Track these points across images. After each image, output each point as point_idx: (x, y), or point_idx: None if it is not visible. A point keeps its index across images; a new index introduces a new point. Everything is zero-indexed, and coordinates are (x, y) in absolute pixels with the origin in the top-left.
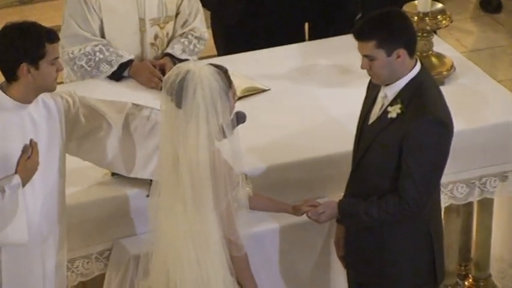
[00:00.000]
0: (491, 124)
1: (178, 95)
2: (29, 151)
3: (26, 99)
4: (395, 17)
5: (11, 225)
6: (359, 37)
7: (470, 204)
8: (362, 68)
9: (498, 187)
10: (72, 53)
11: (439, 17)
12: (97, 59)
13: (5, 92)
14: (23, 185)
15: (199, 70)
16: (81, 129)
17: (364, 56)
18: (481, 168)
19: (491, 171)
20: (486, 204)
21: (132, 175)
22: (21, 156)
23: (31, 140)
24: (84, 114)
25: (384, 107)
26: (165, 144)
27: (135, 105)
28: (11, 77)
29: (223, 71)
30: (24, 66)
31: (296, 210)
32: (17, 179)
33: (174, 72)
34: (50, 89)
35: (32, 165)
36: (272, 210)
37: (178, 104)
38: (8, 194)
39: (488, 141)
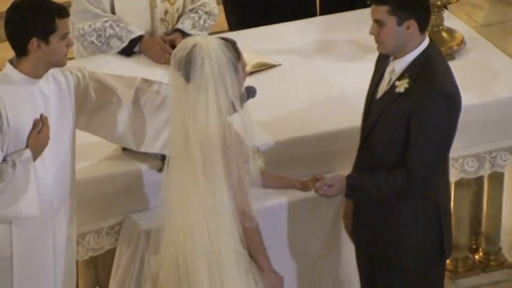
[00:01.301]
0: (501, 98)
1: (186, 68)
2: (40, 125)
3: (36, 74)
4: None
5: (22, 199)
6: (374, 0)
7: (480, 178)
8: (370, 33)
9: (508, 161)
10: (82, 29)
11: None
12: (107, 34)
13: (15, 67)
14: (34, 159)
15: (206, 43)
16: (91, 103)
17: (375, 20)
18: (492, 142)
19: (502, 145)
20: (497, 178)
21: (142, 150)
22: (32, 131)
23: (41, 115)
24: (94, 89)
25: (391, 82)
26: (175, 119)
27: (145, 80)
28: (22, 52)
29: (231, 43)
30: (34, 41)
31: (304, 186)
32: (27, 153)
33: (181, 47)
34: (60, 64)
35: (43, 140)
36: (280, 187)
37: (187, 78)
38: (19, 168)
39: (499, 115)
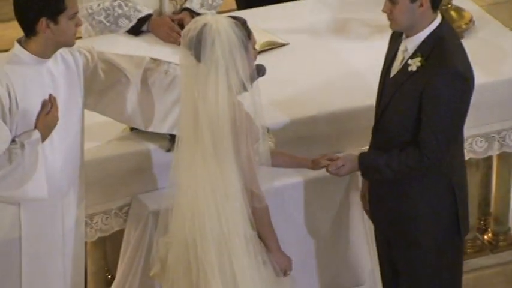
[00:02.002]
0: (510, 78)
1: (197, 48)
2: (48, 106)
3: (44, 54)
4: None
5: (31, 181)
6: None
7: (489, 158)
8: (383, 11)
9: None
10: (90, 8)
11: None
12: (116, 14)
13: (23, 47)
14: (42, 141)
15: (217, 22)
16: (100, 83)
17: None
18: (500, 122)
19: (511, 125)
20: (505, 158)
21: (150, 129)
22: (40, 112)
23: (50, 95)
24: (103, 69)
25: (404, 61)
26: (185, 99)
27: (153, 60)
28: (30, 31)
29: (241, 22)
30: (43, 21)
31: (315, 164)
32: (36, 134)
33: (192, 26)
34: (69, 44)
35: (52, 121)
36: (291, 166)
37: (198, 58)
38: (27, 149)
39: (508, 95)
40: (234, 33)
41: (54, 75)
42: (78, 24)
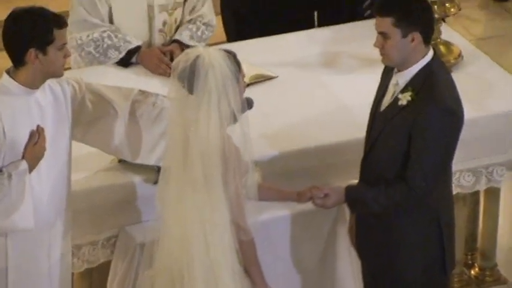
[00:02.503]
0: (498, 112)
1: (190, 80)
2: (36, 137)
3: (33, 84)
4: (418, 0)
5: (18, 211)
6: (379, 11)
7: (477, 193)
8: (375, 45)
9: (505, 176)
10: (80, 39)
11: (447, 4)
12: (105, 45)
13: (12, 77)
14: (30, 171)
15: (210, 54)
16: (88, 115)
17: (380, 33)
18: (488, 156)
19: (498, 160)
20: (493, 193)
21: (137, 161)
22: (28, 142)
23: (38, 126)
24: (91, 100)
25: (395, 94)
26: (173, 131)
27: (141, 92)
28: (19, 62)
29: (232, 55)
30: (32, 52)
31: (300, 197)
32: (23, 165)
33: (183, 58)
34: (58, 75)
35: (39, 151)
36: (277, 199)
37: (190, 89)
38: (14, 179)
39: (496, 129)
40: (227, 66)
41: (42, 106)
42: (66, 55)
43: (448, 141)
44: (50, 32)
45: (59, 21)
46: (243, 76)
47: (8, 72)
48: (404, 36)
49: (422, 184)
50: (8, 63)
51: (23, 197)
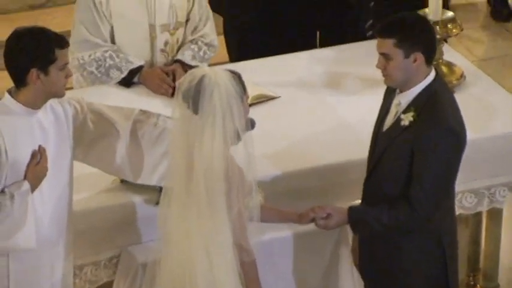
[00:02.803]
0: (500, 133)
1: (195, 100)
2: (38, 157)
3: (34, 104)
4: (420, 21)
5: (21, 232)
6: (380, 33)
7: (479, 214)
8: (377, 67)
9: (507, 197)
10: (82, 59)
11: (449, 25)
12: (107, 65)
13: (14, 98)
14: (32, 191)
15: (215, 74)
16: (89, 135)
17: (381, 54)
18: (490, 177)
19: (500, 181)
20: (495, 214)
21: (139, 181)
22: (30, 162)
23: (40, 146)
24: (92, 120)
25: (397, 115)
26: (176, 152)
27: (143, 112)
28: (20, 82)
29: (237, 76)
30: (33, 72)
31: (302, 218)
32: (26, 185)
33: (188, 78)
34: (59, 95)
35: (41, 171)
36: (278, 221)
37: (195, 109)
38: (17, 200)
39: (498, 150)
40: (232, 86)
41: (44, 126)
42: (68, 75)
43: (450, 162)
44: (52, 52)
45: (61, 41)
46: (247, 97)
47: (9, 92)
48: (407, 56)
49: (426, 205)
50: (10, 83)
51: (26, 218)
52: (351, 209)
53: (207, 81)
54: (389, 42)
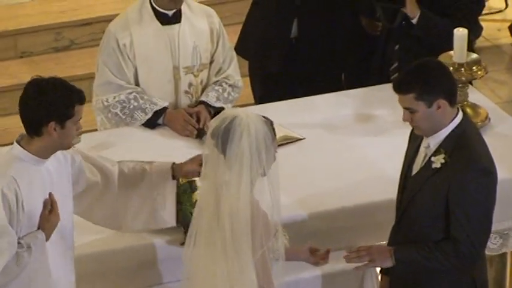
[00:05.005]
0: None
1: (223, 139)
2: (49, 205)
3: (45, 155)
4: (434, 67)
5: (37, 281)
6: (398, 90)
7: (503, 255)
8: (404, 120)
9: None
10: (106, 101)
11: (474, 67)
12: (131, 106)
13: (24, 147)
14: (47, 240)
15: (247, 117)
16: (83, 184)
17: (405, 108)
18: None
19: None
20: None
21: (123, 230)
22: (43, 211)
23: (50, 194)
24: (88, 168)
25: (427, 157)
26: (205, 191)
27: (120, 161)
28: (35, 132)
29: (269, 122)
30: (52, 125)
31: (314, 258)
32: (41, 235)
33: (220, 117)
34: (67, 147)
35: (55, 219)
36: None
37: (223, 150)
38: (34, 251)
39: None
40: (263, 130)
41: (51, 173)
42: (78, 129)
43: (488, 202)
44: (72, 107)
45: (81, 97)
46: (276, 146)
47: (18, 142)
48: (430, 106)
49: (470, 247)
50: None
51: (42, 267)
52: (396, 249)
53: (238, 122)
54: (409, 97)
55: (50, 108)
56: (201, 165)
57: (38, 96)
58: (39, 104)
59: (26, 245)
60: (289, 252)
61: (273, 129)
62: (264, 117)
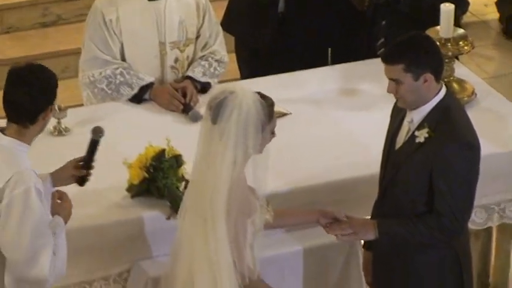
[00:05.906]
0: (510, 150)
1: (215, 111)
2: (56, 196)
3: (30, 143)
4: (424, 41)
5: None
6: (387, 60)
7: (489, 229)
8: (388, 91)
9: None
10: (92, 76)
11: (460, 42)
12: (118, 81)
13: (17, 139)
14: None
15: (243, 95)
16: None
17: (391, 79)
18: (500, 193)
19: (510, 197)
20: (505, 229)
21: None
22: (53, 201)
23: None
24: None
25: (410, 132)
26: (199, 159)
27: None
28: (32, 121)
29: (268, 103)
30: (49, 108)
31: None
32: (60, 219)
33: (219, 90)
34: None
35: (69, 206)
36: (298, 223)
37: (214, 120)
38: (58, 234)
39: (508, 166)
40: (255, 111)
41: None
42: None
43: (471, 175)
44: (57, 87)
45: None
46: (273, 128)
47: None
48: (416, 79)
49: (454, 220)
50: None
51: (65, 249)
52: (379, 222)
53: (233, 98)
54: (397, 68)
55: (51, 93)
56: (75, 167)
57: (33, 85)
58: (39, 93)
59: (52, 232)
60: (296, 215)
61: (271, 110)
62: (265, 97)
